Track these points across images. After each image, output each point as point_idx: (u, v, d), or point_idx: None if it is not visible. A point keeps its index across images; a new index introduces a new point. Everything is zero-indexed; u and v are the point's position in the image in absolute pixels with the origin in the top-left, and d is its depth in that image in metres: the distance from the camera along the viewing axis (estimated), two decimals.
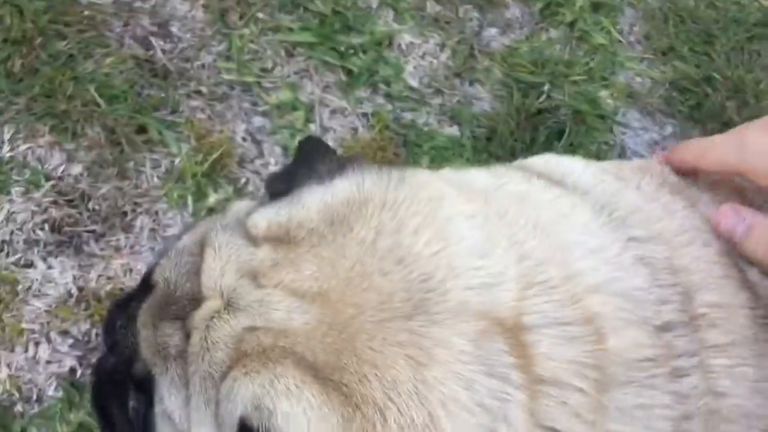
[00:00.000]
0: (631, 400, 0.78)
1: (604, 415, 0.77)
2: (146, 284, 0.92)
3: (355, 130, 2.07)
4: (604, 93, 2.20)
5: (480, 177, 0.89)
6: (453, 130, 2.10)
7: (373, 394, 0.71)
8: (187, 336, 0.81)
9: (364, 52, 2.17)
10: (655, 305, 0.82)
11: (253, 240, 0.82)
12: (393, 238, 0.78)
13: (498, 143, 2.06)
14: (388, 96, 2.12)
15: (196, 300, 0.83)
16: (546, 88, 2.15)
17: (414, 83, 2.15)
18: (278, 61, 2.11)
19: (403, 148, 2.06)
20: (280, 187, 0.90)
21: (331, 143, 2.05)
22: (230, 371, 0.76)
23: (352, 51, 2.17)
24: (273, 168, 1.96)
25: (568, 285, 0.78)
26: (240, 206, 0.94)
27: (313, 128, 2.03)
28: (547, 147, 2.07)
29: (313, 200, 0.82)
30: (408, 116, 2.11)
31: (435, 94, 2.15)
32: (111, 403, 0.97)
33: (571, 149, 2.06)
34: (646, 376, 0.79)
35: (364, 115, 2.09)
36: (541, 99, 2.13)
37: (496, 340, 0.74)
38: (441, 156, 2.05)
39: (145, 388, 0.86)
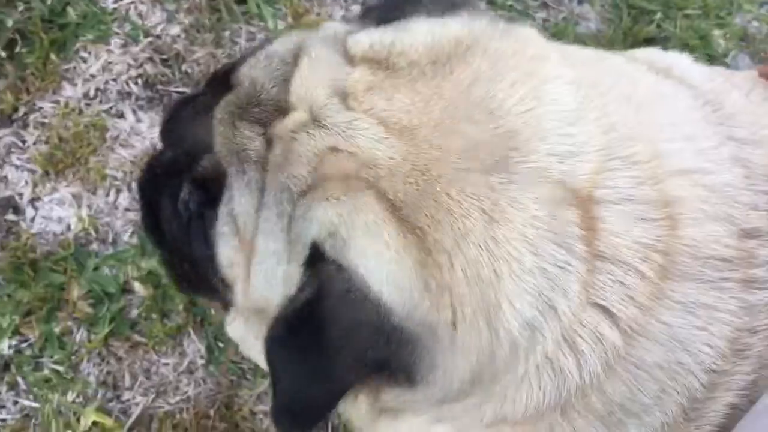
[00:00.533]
0: (695, 296, 0.76)
1: (661, 305, 0.75)
2: (223, 82, 0.89)
3: None
4: (717, 32, 2.08)
5: (584, 50, 0.86)
6: None
7: (445, 241, 0.71)
8: (268, 143, 0.80)
9: None
10: (745, 208, 0.79)
11: (350, 59, 0.80)
12: (488, 87, 0.76)
13: None
14: (492, 3, 2.06)
15: (282, 108, 0.80)
16: (658, 16, 2.05)
17: None
18: None
19: None
20: (382, 16, 0.86)
21: None
22: (309, 190, 0.75)
23: None
24: None
25: (651, 163, 0.75)
26: (336, 26, 0.90)
27: None
28: None
29: (421, 31, 0.80)
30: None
31: (541, 8, 2.08)
32: (160, 195, 0.96)
33: None
34: (718, 276, 0.77)
35: None
36: (651, 27, 2.04)
37: (569, 209, 0.72)
38: None
39: (207, 185, 0.85)
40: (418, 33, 0.80)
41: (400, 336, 0.71)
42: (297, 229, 0.76)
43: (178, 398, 1.57)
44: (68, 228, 1.66)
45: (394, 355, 0.72)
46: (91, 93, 1.77)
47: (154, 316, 1.61)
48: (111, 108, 1.77)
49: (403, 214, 0.72)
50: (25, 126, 1.72)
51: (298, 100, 0.80)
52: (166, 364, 1.59)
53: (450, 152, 0.73)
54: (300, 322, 0.75)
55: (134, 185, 1.70)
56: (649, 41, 2.02)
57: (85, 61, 1.79)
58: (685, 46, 2.02)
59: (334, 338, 0.72)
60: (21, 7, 1.78)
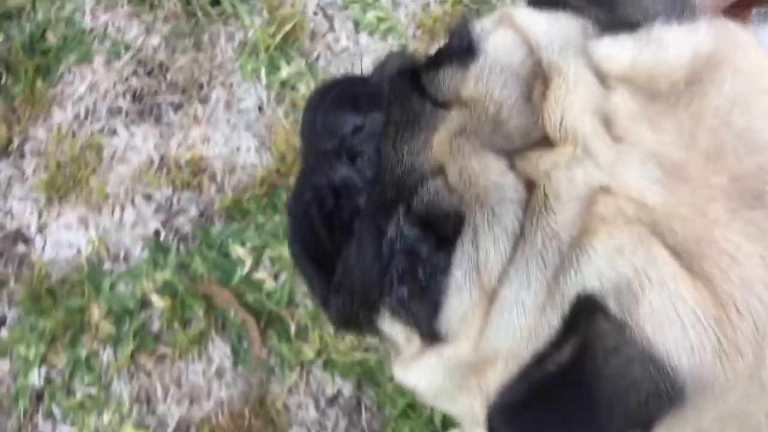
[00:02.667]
0: None
1: None
2: (415, 89, 0.76)
3: (428, 5, 2.03)
4: None
5: None
6: None
7: (734, 293, 0.63)
8: (527, 180, 0.67)
9: None
10: None
11: (603, 78, 0.69)
12: (747, 115, 0.68)
13: None
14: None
15: (531, 137, 0.68)
16: None
17: None
18: None
19: None
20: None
21: (402, 18, 2.02)
22: (583, 237, 0.64)
23: None
24: (344, 43, 1.95)
25: None
26: (559, 21, 0.76)
27: (384, 2, 2.00)
28: None
29: (677, 46, 0.69)
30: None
31: None
32: (343, 224, 0.82)
33: None
34: None
35: None
36: None
37: None
38: None
39: (434, 223, 0.71)
40: (675, 48, 0.69)
41: (675, 395, 0.65)
42: (563, 280, 0.66)
43: (212, 403, 1.60)
44: (79, 251, 1.68)
45: (662, 412, 0.65)
46: (82, 114, 1.78)
47: (175, 325, 1.63)
48: (103, 127, 1.78)
49: (687, 264, 0.65)
50: (22, 156, 1.73)
51: (560, 129, 0.68)
52: (195, 371, 1.62)
53: (720, 190, 0.66)
54: (556, 383, 0.67)
55: (139, 201, 1.72)
56: None
57: (71, 83, 1.80)
58: None
59: (600, 400, 0.65)
60: (0, 37, 1.78)
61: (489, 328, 0.70)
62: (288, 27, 1.87)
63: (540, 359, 0.67)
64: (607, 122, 0.67)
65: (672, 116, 0.67)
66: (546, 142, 0.68)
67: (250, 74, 1.84)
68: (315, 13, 1.94)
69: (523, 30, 0.77)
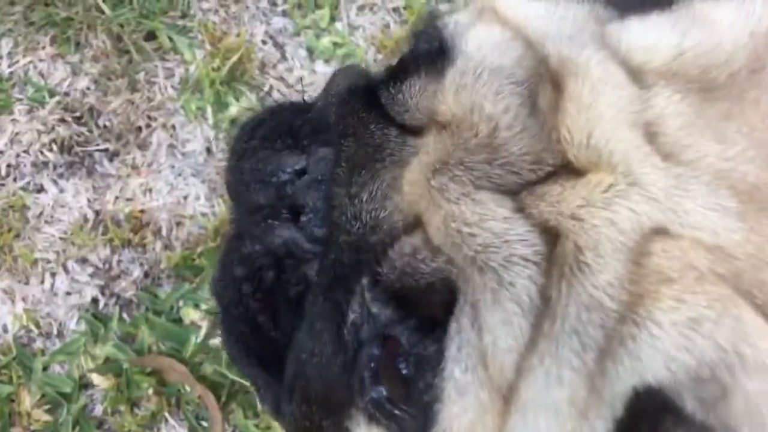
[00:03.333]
0: None
1: None
2: (371, 111, 0.58)
3: (387, 26, 1.86)
4: None
5: None
6: None
7: None
8: (545, 231, 0.49)
9: None
10: None
11: (636, 74, 0.51)
12: None
13: None
14: None
15: (541, 164, 0.51)
16: None
17: None
18: None
19: None
20: None
21: (360, 42, 1.85)
22: (640, 304, 0.46)
23: None
24: (299, 73, 1.76)
25: None
26: (559, 6, 0.58)
27: (340, 27, 1.82)
28: None
29: (736, 26, 0.52)
30: (445, 8, 1.88)
31: None
32: (289, 307, 0.63)
33: None
34: None
35: (395, 9, 1.87)
36: None
37: None
38: None
39: (412, 301, 0.53)
40: (728, 27, 0.53)
41: None
42: (612, 369, 0.48)
43: None
44: (5, 329, 1.45)
45: None
46: (2, 171, 1.56)
47: (122, 408, 1.40)
48: (28, 183, 1.56)
49: None
50: None
51: (587, 150, 0.50)
52: None
53: None
54: None
55: (72, 265, 1.50)
56: None
57: None
58: None
59: None
60: None
61: None
62: (234, 59, 1.68)
63: None
64: (652, 136, 0.50)
65: (738, 119, 0.50)
66: (567, 170, 0.51)
67: (194, 114, 1.64)
68: (263, 42, 1.75)
69: (513, 22, 0.59)
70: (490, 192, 0.51)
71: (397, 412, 0.56)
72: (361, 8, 1.87)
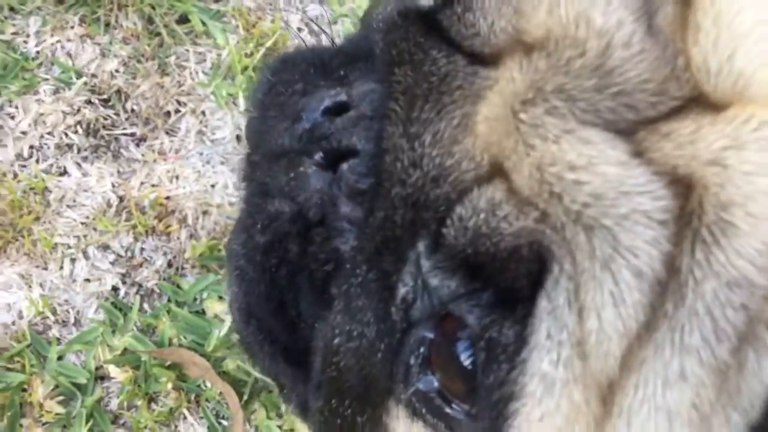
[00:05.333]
0: None
1: None
2: (426, 40, 0.47)
3: None
4: None
5: None
6: None
7: None
8: (665, 178, 0.39)
9: None
10: None
11: None
12: None
13: None
14: None
15: (665, 95, 0.40)
16: None
17: None
18: None
19: None
20: None
21: None
22: None
23: None
24: None
25: None
26: None
27: None
28: None
29: None
30: None
31: None
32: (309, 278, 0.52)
33: None
34: None
35: None
36: None
37: None
38: None
39: (486, 270, 0.43)
40: None
41: None
42: (752, 364, 0.39)
43: None
44: (20, 315, 1.38)
45: None
46: (25, 152, 1.50)
47: (138, 402, 1.33)
48: (51, 166, 1.50)
49: None
50: None
51: (728, 77, 0.40)
52: None
53: None
54: None
55: (93, 252, 1.43)
56: None
57: (12, 117, 1.53)
58: None
59: None
60: None
61: None
62: (268, 45, 1.61)
63: None
64: None
65: None
66: (699, 104, 0.40)
67: (225, 100, 1.57)
68: (299, 29, 1.68)
69: None
70: (600, 129, 0.41)
71: (449, 410, 0.46)
72: None
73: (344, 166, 0.52)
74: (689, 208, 0.39)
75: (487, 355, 0.43)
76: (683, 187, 0.39)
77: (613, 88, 0.41)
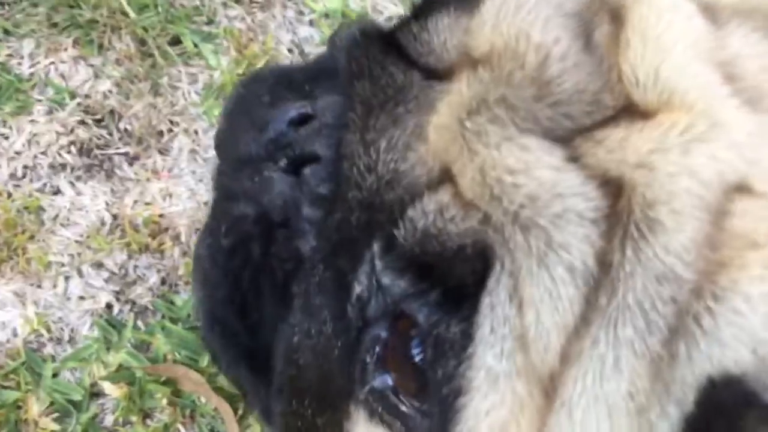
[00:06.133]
0: None
1: None
2: (378, 51, 0.51)
3: None
4: None
5: None
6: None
7: None
8: (596, 180, 0.42)
9: None
10: None
11: (708, 10, 0.46)
12: None
13: None
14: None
15: (599, 104, 0.44)
16: None
17: None
18: None
19: None
20: None
21: None
22: (720, 274, 0.39)
23: None
24: None
25: None
26: None
27: None
28: None
29: None
30: None
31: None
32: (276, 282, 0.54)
33: None
34: None
35: None
36: None
37: None
38: None
39: (434, 271, 0.45)
40: None
41: None
42: (683, 354, 0.40)
43: None
44: (14, 333, 1.39)
45: None
46: (19, 172, 1.52)
47: (133, 418, 1.33)
48: (44, 185, 1.51)
49: None
50: None
51: (655, 86, 0.43)
52: None
53: None
54: None
55: (87, 270, 1.44)
56: None
57: (6, 137, 1.54)
58: None
59: None
60: None
61: None
62: (259, 66, 1.64)
63: None
64: (730, 76, 0.43)
65: None
66: (630, 113, 0.44)
67: (217, 119, 1.59)
68: (290, 51, 1.72)
69: None
70: (538, 137, 0.44)
71: (404, 408, 0.48)
72: (389, 19, 1.84)
73: (306, 170, 0.54)
74: (619, 207, 0.41)
75: (435, 352, 0.45)
76: (614, 188, 0.42)
77: (550, 98, 0.44)
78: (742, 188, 0.41)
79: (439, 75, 0.50)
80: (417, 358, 0.47)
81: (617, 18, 0.47)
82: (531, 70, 0.45)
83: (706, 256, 0.40)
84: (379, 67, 0.52)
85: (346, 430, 0.52)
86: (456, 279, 0.44)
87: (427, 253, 0.45)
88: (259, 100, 0.59)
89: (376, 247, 0.47)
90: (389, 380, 0.49)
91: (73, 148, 1.54)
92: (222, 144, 0.62)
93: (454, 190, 0.45)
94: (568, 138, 0.44)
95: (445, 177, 0.46)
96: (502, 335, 0.43)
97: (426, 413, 0.46)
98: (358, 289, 0.48)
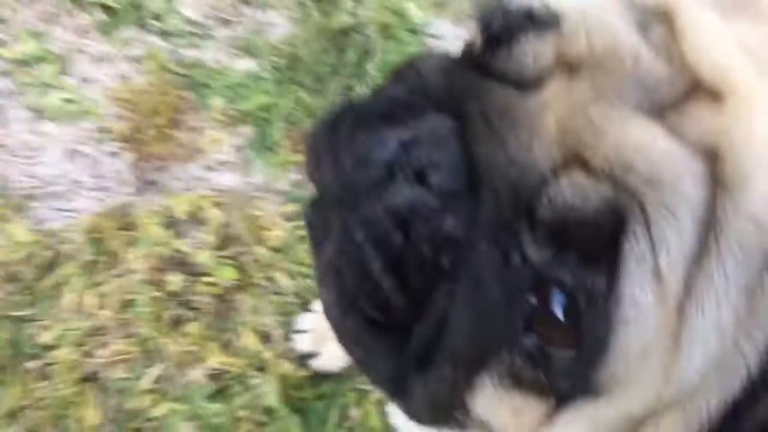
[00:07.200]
0: None
1: None
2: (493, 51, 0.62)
3: (126, 77, 1.69)
4: (411, 5, 1.96)
5: None
6: (249, 64, 1.77)
7: None
8: (692, 147, 0.52)
9: None
10: None
11: (719, 9, 0.58)
12: None
13: (303, 71, 1.76)
14: (163, 33, 1.76)
15: (674, 87, 0.55)
16: (347, 4, 1.87)
17: (192, 15, 1.79)
18: (15, 6, 1.68)
19: (191, 90, 1.71)
20: None
21: (98, 97, 1.66)
22: None
23: None
24: (22, 138, 1.54)
25: None
26: None
27: (70, 81, 1.63)
28: (358, 68, 1.80)
29: None
30: (190, 54, 1.75)
31: (221, 25, 1.81)
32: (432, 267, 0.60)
33: (385, 67, 1.81)
34: None
35: (135, 58, 1.71)
36: (343, 17, 1.85)
37: None
38: (238, 94, 1.72)
39: (577, 239, 0.54)
40: None
41: None
42: (765, 292, 0.51)
43: None
44: None
45: None
46: None
47: None
48: None
49: None
50: None
51: (712, 73, 0.55)
52: None
53: None
54: None
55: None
56: (345, 31, 1.84)
57: None
58: (383, 27, 1.86)
59: None
60: None
61: (678, 363, 0.53)
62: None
63: (734, 415, 0.52)
64: (756, 61, 0.56)
65: None
66: (699, 91, 0.55)
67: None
68: None
69: None
70: (644, 117, 0.54)
71: (552, 357, 0.56)
72: (95, 59, 1.69)
73: (432, 177, 0.60)
74: (717, 168, 0.52)
75: (587, 299, 0.54)
76: (710, 154, 0.52)
77: (646, 86, 0.55)
78: None
79: (530, 86, 0.59)
80: (560, 316, 0.55)
81: (664, 19, 0.58)
82: (629, 66, 0.56)
83: None
84: (479, 86, 0.61)
85: (468, 402, 0.61)
86: (594, 239, 0.53)
87: (567, 221, 0.54)
88: (355, 135, 0.65)
89: (523, 225, 0.56)
90: (536, 339, 0.57)
91: None
92: (328, 177, 0.66)
93: (584, 167, 0.54)
94: (663, 116, 0.55)
95: (569, 161, 0.55)
96: (642, 271, 0.52)
97: (571, 358, 0.55)
98: (515, 260, 0.56)
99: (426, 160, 0.60)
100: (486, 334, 0.58)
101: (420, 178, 0.60)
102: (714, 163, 0.52)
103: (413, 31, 1.91)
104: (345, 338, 0.68)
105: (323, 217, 0.68)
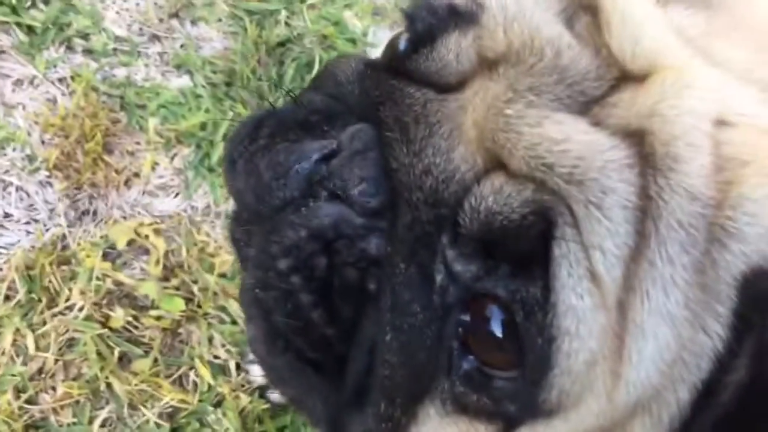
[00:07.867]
0: None
1: None
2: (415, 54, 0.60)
3: (53, 100, 1.59)
4: (348, 14, 1.91)
5: None
6: (183, 81, 1.70)
7: None
8: (619, 135, 0.50)
9: (46, 2, 1.68)
10: None
11: None
12: None
13: (241, 86, 1.69)
14: (89, 52, 1.66)
15: (602, 79, 0.53)
16: (283, 15, 1.81)
17: (120, 31, 1.70)
18: None
19: (123, 111, 1.62)
20: None
21: (22, 123, 1.56)
22: (732, 187, 0.49)
23: (29, 2, 1.66)
24: None
25: None
26: None
27: None
28: (298, 81, 1.74)
29: None
30: (120, 73, 1.66)
31: (151, 41, 1.72)
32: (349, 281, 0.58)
33: None
34: None
35: (61, 80, 1.61)
36: (279, 29, 1.80)
37: None
38: (174, 113, 1.65)
39: (503, 247, 0.52)
40: None
41: None
42: (720, 259, 0.49)
43: None
44: None
45: None
46: None
47: None
48: None
49: None
50: None
51: (640, 58, 0.53)
52: None
53: None
54: (743, 418, 0.50)
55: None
56: (282, 44, 1.78)
57: None
58: (322, 38, 1.81)
59: None
60: None
61: (628, 364, 0.50)
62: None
63: (707, 393, 0.50)
64: (686, 42, 0.55)
65: (742, 30, 0.57)
66: (627, 79, 0.54)
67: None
68: None
69: None
70: (565, 112, 0.52)
71: (493, 380, 0.53)
72: (17, 83, 1.59)
73: (354, 192, 0.57)
74: (645, 150, 0.50)
75: (523, 311, 0.51)
76: (637, 138, 0.51)
77: (567, 80, 0.53)
78: (721, 121, 0.51)
79: (452, 88, 0.57)
80: (498, 333, 0.52)
81: (590, 9, 0.56)
82: (549, 61, 0.54)
83: (716, 177, 0.49)
84: (397, 91, 0.58)
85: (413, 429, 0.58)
86: (523, 246, 0.51)
87: (492, 230, 0.51)
88: (273, 147, 0.62)
89: (444, 239, 0.53)
90: (474, 361, 0.54)
91: None
92: (246, 193, 0.63)
93: (504, 171, 0.52)
94: (587, 109, 0.53)
95: (493, 164, 0.53)
96: (577, 276, 0.50)
97: (514, 379, 0.53)
98: (438, 278, 0.54)
99: (347, 173, 0.58)
100: (418, 362, 0.55)
101: (342, 193, 0.58)
102: (642, 145, 0.50)
103: (352, 41, 1.87)
104: (275, 376, 0.65)
105: (245, 232, 0.66)
